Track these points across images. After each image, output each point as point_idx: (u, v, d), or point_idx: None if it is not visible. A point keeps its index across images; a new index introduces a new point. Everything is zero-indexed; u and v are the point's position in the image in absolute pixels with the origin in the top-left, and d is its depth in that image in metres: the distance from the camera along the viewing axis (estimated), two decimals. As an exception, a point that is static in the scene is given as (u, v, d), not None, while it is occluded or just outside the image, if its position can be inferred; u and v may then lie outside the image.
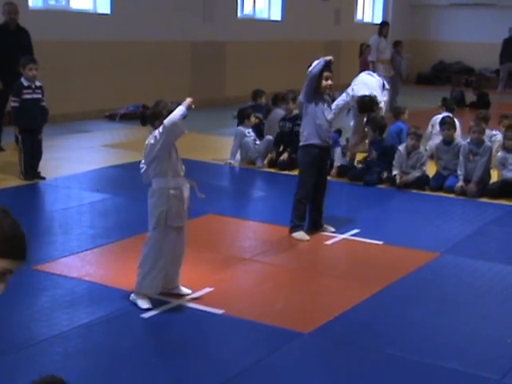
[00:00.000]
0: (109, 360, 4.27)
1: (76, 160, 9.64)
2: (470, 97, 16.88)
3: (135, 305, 4.94)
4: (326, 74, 6.47)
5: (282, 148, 9.62)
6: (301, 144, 6.68)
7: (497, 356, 4.45)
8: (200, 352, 4.45)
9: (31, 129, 8.31)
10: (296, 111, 9.32)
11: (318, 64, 6.40)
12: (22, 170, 8.34)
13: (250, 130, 9.88)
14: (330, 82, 6.54)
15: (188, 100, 4.84)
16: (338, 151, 9.23)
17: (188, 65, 15.61)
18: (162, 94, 14.14)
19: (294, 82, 13.65)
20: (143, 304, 4.94)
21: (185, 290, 5.20)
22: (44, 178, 8.39)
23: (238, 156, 9.79)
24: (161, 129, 4.77)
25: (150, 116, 4.97)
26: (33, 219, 7.02)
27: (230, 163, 9.69)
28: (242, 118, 9.94)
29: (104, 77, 13.51)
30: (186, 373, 4.14)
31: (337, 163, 9.10)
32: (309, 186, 6.63)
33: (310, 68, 6.45)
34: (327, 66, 6.43)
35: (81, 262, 5.86)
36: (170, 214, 4.88)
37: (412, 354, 4.41)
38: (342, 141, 10.95)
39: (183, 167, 5.05)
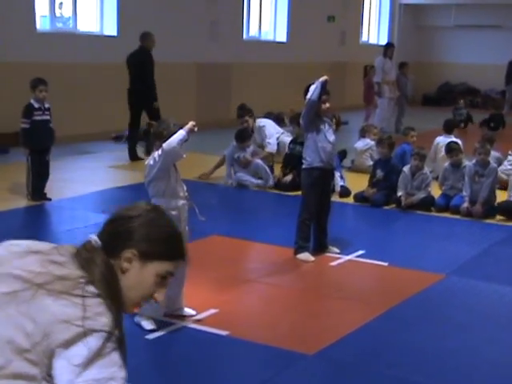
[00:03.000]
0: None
1: (81, 181, 9.69)
2: (477, 117, 16.91)
3: (140, 326, 4.95)
4: (323, 97, 6.49)
5: (288, 169, 9.66)
6: (303, 167, 6.70)
7: (499, 380, 4.43)
8: (204, 373, 4.45)
9: (40, 150, 8.36)
10: None
11: (315, 89, 6.39)
12: (29, 190, 8.39)
13: (242, 154, 9.97)
14: (327, 105, 6.57)
15: (190, 124, 4.89)
16: (337, 176, 9.13)
17: (193, 86, 15.69)
18: (168, 115, 14.31)
19: (300, 103, 13.70)
20: (147, 325, 4.95)
21: (189, 311, 5.20)
22: (50, 199, 8.43)
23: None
24: (160, 151, 4.82)
25: (151, 136, 5.01)
26: (39, 240, 7.04)
27: (228, 183, 9.81)
28: (240, 140, 10.01)
29: (110, 98, 13.57)
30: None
31: (337, 188, 9.02)
32: (312, 207, 6.64)
33: (308, 95, 6.43)
34: (324, 88, 6.43)
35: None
36: None
37: (414, 377, 4.40)
38: (347, 162, 11.01)
39: (184, 188, 5.07)
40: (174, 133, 4.86)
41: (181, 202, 5.00)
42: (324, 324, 5.30)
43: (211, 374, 4.44)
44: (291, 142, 9.83)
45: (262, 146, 10.39)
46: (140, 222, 2.12)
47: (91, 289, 1.98)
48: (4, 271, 2.01)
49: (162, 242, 2.12)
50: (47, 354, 1.90)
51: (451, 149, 8.88)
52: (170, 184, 4.95)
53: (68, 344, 1.89)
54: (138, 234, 2.10)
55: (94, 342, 1.90)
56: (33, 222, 7.94)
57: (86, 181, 9.73)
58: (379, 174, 8.93)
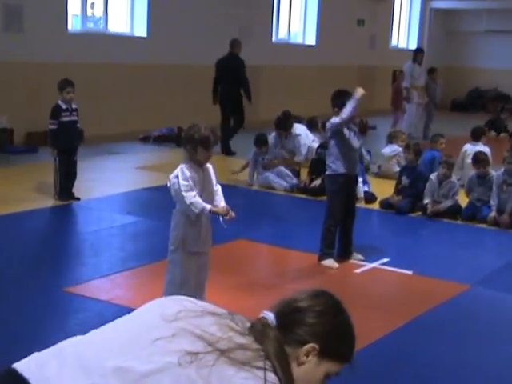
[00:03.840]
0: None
1: (109, 182, 9.75)
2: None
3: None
4: None
5: (315, 174, 9.66)
6: (327, 173, 6.69)
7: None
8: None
9: (68, 150, 8.44)
10: None
11: (352, 108, 6.34)
12: (56, 190, 8.46)
13: (264, 157, 10.07)
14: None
15: (223, 209, 4.93)
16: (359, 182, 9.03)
17: (222, 88, 15.69)
18: (196, 117, 14.29)
19: (329, 106, 13.68)
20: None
21: None
22: (78, 199, 8.49)
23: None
24: (179, 178, 4.83)
25: (182, 139, 5.03)
26: (65, 240, 7.14)
27: (250, 184, 9.88)
28: (259, 144, 10.07)
29: (139, 99, 13.66)
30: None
31: (360, 194, 8.94)
32: (337, 213, 6.63)
33: (345, 113, 6.35)
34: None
35: (110, 285, 5.91)
36: (185, 239, 4.92)
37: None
38: (374, 167, 10.96)
39: (214, 191, 5.05)
40: (206, 136, 4.84)
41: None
42: (347, 332, 5.28)
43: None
44: (319, 146, 9.83)
45: (291, 152, 10.38)
46: (324, 318, 2.08)
47: (270, 363, 1.95)
48: (185, 327, 1.98)
49: (342, 343, 2.10)
50: None
51: (478, 160, 8.78)
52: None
53: None
54: (320, 330, 2.05)
55: None
56: (59, 222, 8.01)
57: (113, 181, 9.79)
58: (405, 180, 8.89)
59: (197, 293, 5.09)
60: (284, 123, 10.46)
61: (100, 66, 12.94)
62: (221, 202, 5.12)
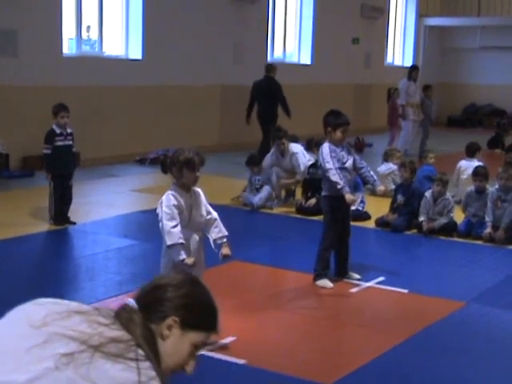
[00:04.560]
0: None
1: (105, 205, 9.75)
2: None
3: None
4: (344, 127, 6.50)
5: (310, 193, 9.67)
6: (323, 194, 6.70)
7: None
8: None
9: (63, 175, 8.45)
10: None
11: (339, 184, 6.39)
12: (51, 215, 8.47)
13: (257, 177, 10.07)
14: (344, 135, 6.56)
15: (190, 261, 4.87)
16: (359, 196, 9.07)
17: (217, 108, 15.78)
18: (192, 138, 14.47)
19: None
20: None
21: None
22: (74, 223, 8.49)
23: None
24: (161, 217, 4.84)
25: (168, 163, 5.03)
26: (60, 265, 7.13)
27: (246, 204, 9.94)
28: (250, 164, 10.14)
29: (135, 121, 13.72)
30: (206, 425, 4.13)
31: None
32: (334, 234, 6.63)
33: (337, 183, 6.41)
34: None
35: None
36: (176, 265, 4.91)
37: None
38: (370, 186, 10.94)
39: (204, 215, 5.03)
40: (191, 159, 4.87)
41: (192, 234, 4.98)
42: (343, 352, 5.29)
43: (228, 404, 4.44)
44: (311, 166, 9.83)
45: (288, 171, 10.37)
46: (181, 291, 2.18)
47: (141, 352, 2.02)
48: (55, 330, 2.01)
49: (202, 313, 2.20)
50: None
51: (478, 173, 8.77)
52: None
53: None
54: (179, 303, 2.16)
55: None
56: (54, 247, 8.01)
57: (110, 204, 9.80)
58: (400, 198, 8.91)
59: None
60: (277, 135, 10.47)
61: (96, 89, 13.00)
62: (219, 233, 5.08)
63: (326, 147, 6.59)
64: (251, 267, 7.23)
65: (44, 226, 8.43)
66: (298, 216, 9.52)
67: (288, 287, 6.73)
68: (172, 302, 2.15)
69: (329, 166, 6.48)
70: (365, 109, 20.25)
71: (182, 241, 4.82)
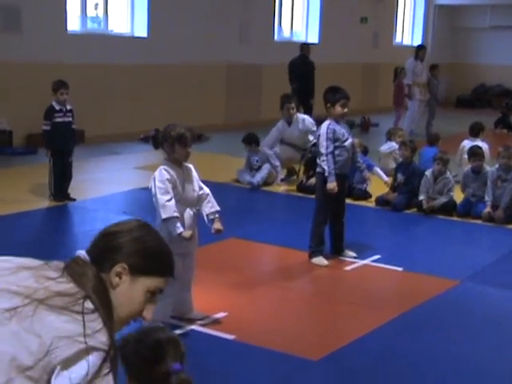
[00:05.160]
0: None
1: (107, 182, 9.78)
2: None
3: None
4: (341, 101, 6.47)
5: (311, 172, 9.65)
6: (318, 171, 6.69)
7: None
8: (207, 378, 4.46)
9: (62, 151, 8.46)
10: None
11: (326, 172, 6.41)
12: (51, 191, 8.50)
13: (255, 158, 10.12)
14: (346, 110, 6.53)
15: (187, 234, 4.86)
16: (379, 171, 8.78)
17: (223, 87, 15.75)
18: (198, 116, 14.45)
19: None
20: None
21: (198, 314, 5.21)
22: (74, 200, 8.52)
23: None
24: (156, 182, 4.85)
25: (159, 139, 5.03)
26: (57, 241, 7.16)
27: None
28: (246, 142, 10.24)
29: (140, 99, 13.71)
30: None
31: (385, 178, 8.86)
32: (326, 211, 6.64)
33: (326, 170, 6.42)
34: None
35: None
36: (170, 241, 4.90)
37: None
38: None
39: (197, 191, 5.03)
40: (182, 134, 4.87)
41: (184, 208, 4.98)
42: (332, 329, 5.29)
43: (214, 379, 4.45)
44: (313, 144, 9.79)
45: (295, 141, 10.21)
46: (131, 237, 2.15)
47: (89, 305, 2.00)
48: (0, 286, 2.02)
49: (153, 258, 2.15)
50: (47, 370, 1.92)
51: (474, 153, 8.77)
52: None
53: (69, 361, 1.91)
54: (128, 249, 2.13)
55: (94, 360, 1.93)
56: (52, 223, 8.05)
57: (111, 181, 9.82)
58: (400, 177, 8.88)
59: (183, 292, 5.10)
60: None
61: (100, 67, 12.98)
62: (212, 208, 5.09)
63: (324, 127, 6.56)
64: (248, 244, 7.24)
65: (44, 203, 8.46)
66: (300, 194, 9.51)
67: (284, 264, 6.73)
68: (123, 249, 2.12)
69: (323, 150, 6.47)
70: (373, 88, 20.15)
71: (176, 214, 4.82)
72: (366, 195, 9.13)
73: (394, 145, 10.53)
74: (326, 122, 6.56)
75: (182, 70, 14.52)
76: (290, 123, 10.15)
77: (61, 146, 8.40)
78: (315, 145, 9.69)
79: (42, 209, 8.31)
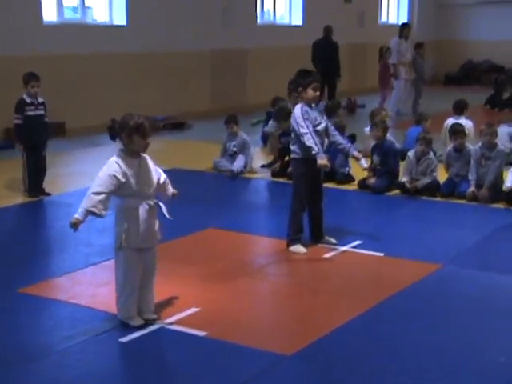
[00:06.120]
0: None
1: (85, 175, 9.54)
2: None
3: (127, 325, 4.82)
4: (313, 85, 6.28)
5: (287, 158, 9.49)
6: (292, 157, 6.52)
7: (487, 377, 4.22)
8: (177, 377, 4.32)
9: (35, 145, 8.27)
10: None
11: (314, 150, 6.21)
12: (26, 186, 8.32)
13: (233, 143, 9.95)
14: (317, 93, 6.35)
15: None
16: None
17: (208, 73, 15.52)
18: (182, 104, 14.28)
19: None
20: (134, 322, 4.81)
21: (152, 315, 4.95)
22: (49, 195, 8.34)
23: None
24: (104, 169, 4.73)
25: (116, 129, 4.85)
26: (30, 237, 6.99)
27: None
28: (230, 122, 10.09)
29: (121, 88, 13.48)
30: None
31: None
32: (302, 197, 6.46)
33: (313, 149, 6.22)
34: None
35: (71, 283, 5.77)
36: (129, 236, 4.72)
37: (397, 376, 4.20)
38: (359, 147, 10.74)
39: (154, 182, 4.85)
40: (140, 124, 4.69)
41: (140, 203, 4.77)
42: (308, 321, 5.12)
43: (184, 378, 4.30)
44: (281, 135, 9.60)
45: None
46: None
47: None
48: None
49: None
50: None
51: (455, 131, 8.58)
52: (126, 186, 4.72)
53: None
54: None
55: None
56: (26, 219, 7.89)
57: (89, 175, 9.49)
58: (376, 159, 8.69)
59: (143, 293, 4.89)
60: None
61: (79, 57, 12.75)
62: (168, 191, 4.97)
63: (298, 109, 6.39)
64: (225, 234, 7.06)
65: (18, 199, 8.28)
66: (281, 180, 9.31)
67: (262, 254, 6.54)
68: None
69: (303, 130, 6.28)
70: (359, 69, 19.93)
71: (94, 210, 4.64)
72: (348, 179, 8.94)
73: (377, 126, 10.31)
74: (298, 105, 6.38)
75: (165, 57, 14.30)
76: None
77: (34, 139, 8.21)
78: (282, 134, 9.51)
79: (16, 205, 8.12)
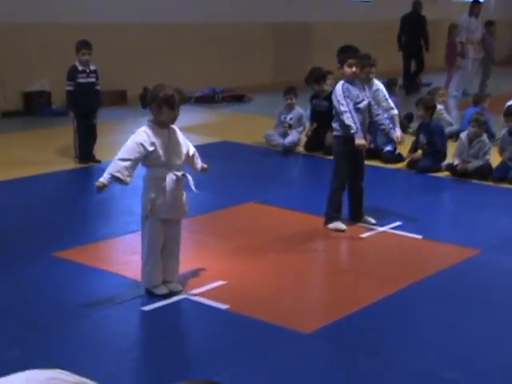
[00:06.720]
0: (110, 351, 4.23)
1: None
2: None
3: (152, 293, 4.86)
4: (350, 61, 6.18)
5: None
6: (334, 134, 6.42)
7: (505, 367, 4.11)
8: (194, 348, 4.36)
9: (86, 112, 8.37)
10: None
11: (353, 129, 6.13)
12: (76, 153, 8.45)
13: (289, 115, 9.80)
14: (354, 69, 6.23)
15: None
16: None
17: (270, 47, 15.43)
18: (244, 77, 14.21)
19: (386, 64, 13.26)
20: (158, 290, 4.85)
21: (177, 286, 4.96)
22: (99, 161, 8.44)
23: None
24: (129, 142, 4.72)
25: (147, 99, 4.87)
26: (75, 203, 7.14)
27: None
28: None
29: (183, 58, 13.53)
30: (173, 369, 4.01)
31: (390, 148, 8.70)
32: (344, 175, 6.37)
33: (352, 128, 6.14)
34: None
35: (106, 249, 5.88)
36: (155, 205, 4.75)
37: (412, 361, 4.13)
38: (414, 126, 10.53)
39: (183, 153, 4.85)
40: (170, 95, 4.68)
41: (170, 172, 4.78)
42: (334, 300, 5.08)
43: (201, 349, 4.33)
44: (312, 97, 9.55)
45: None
46: None
47: None
48: None
49: None
50: None
51: (509, 113, 8.30)
52: (154, 155, 4.73)
53: None
54: None
55: None
56: (75, 185, 8.01)
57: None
58: (422, 138, 8.49)
59: (167, 263, 4.91)
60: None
61: (147, 26, 12.85)
62: (197, 164, 4.98)
63: (339, 86, 6.30)
64: (265, 209, 7.03)
65: (69, 165, 8.43)
66: (318, 155, 9.20)
67: (300, 230, 6.48)
68: None
69: (343, 108, 6.19)
70: (431, 46, 19.46)
71: (119, 175, 4.66)
72: (396, 158, 8.76)
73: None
74: (340, 82, 6.29)
75: (225, 29, 14.25)
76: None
77: (84, 106, 8.30)
78: (314, 97, 9.39)
79: (67, 170, 8.27)
